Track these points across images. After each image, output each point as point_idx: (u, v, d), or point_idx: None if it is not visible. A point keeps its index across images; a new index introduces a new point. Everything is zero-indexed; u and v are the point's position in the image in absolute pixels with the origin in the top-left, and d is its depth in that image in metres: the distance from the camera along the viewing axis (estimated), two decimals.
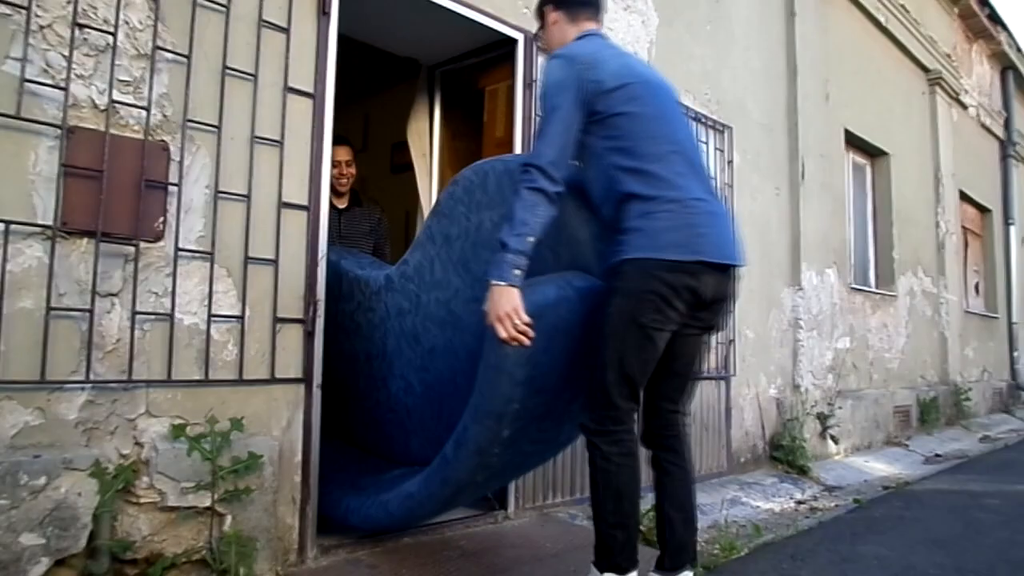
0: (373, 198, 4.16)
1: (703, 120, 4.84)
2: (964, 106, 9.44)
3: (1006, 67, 10.95)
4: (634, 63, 2.36)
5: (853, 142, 6.98)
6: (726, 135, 5.02)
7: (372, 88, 4.83)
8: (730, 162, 5.00)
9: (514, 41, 3.67)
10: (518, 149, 3.67)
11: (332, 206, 3.82)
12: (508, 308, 2.03)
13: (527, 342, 2.05)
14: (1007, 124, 10.94)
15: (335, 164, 3.78)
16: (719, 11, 5.19)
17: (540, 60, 3.74)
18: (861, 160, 7.39)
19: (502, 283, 2.05)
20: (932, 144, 8.48)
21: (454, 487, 2.41)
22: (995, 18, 9.93)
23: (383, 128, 4.82)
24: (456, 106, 4.37)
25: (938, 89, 8.57)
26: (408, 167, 4.37)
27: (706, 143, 4.83)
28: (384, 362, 2.95)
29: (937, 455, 6.36)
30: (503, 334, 2.04)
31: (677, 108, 2.35)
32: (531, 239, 2.07)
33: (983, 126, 10.19)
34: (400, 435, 2.96)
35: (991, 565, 3.04)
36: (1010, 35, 10.44)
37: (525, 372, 2.13)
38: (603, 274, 2.23)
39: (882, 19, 7.36)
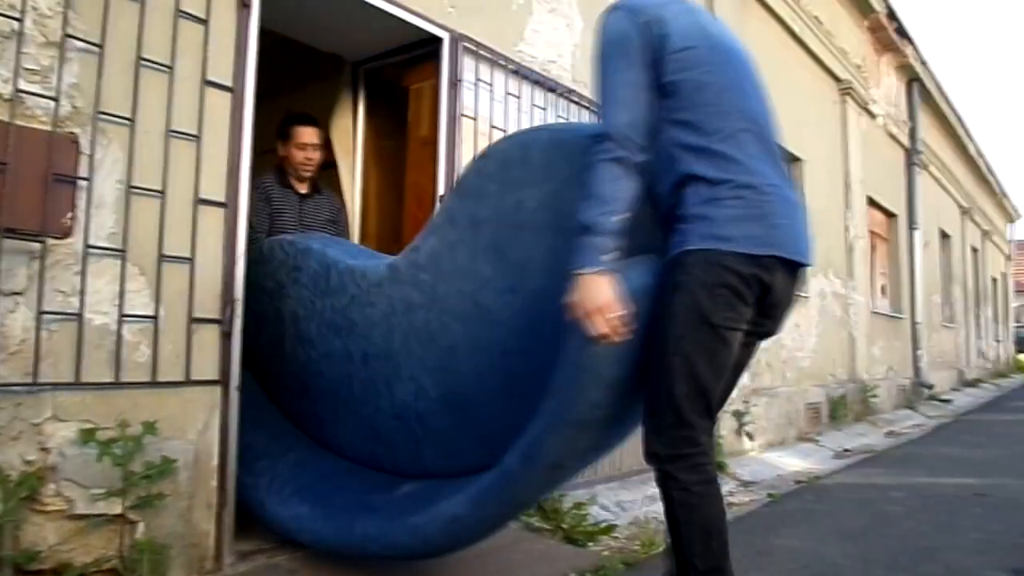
0: (330, 187, 3.98)
1: None
2: (873, 115, 9.85)
3: (912, 79, 11.47)
4: (706, 22, 2.01)
5: None
6: None
7: (294, 84, 4.74)
8: None
9: (439, 40, 3.66)
10: (442, 149, 3.66)
11: (294, 191, 3.60)
12: (601, 300, 1.75)
13: (620, 338, 1.78)
14: (912, 133, 11.47)
15: (302, 147, 3.56)
16: None
17: (465, 60, 3.74)
18: None
19: (591, 270, 1.76)
20: (843, 151, 8.81)
21: (514, 507, 2.21)
22: (902, 32, 10.38)
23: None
24: (380, 104, 4.34)
25: (849, 98, 8.91)
26: (331, 165, 4.31)
27: None
28: (387, 363, 2.62)
29: (846, 450, 6.61)
30: (597, 330, 1.76)
31: (755, 79, 2.03)
32: (618, 217, 1.79)
33: (890, 135, 10.64)
34: (408, 445, 2.63)
35: (896, 554, 3.17)
36: (916, 49, 10.94)
37: (616, 372, 1.89)
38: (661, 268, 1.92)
39: (797, 30, 7.61)
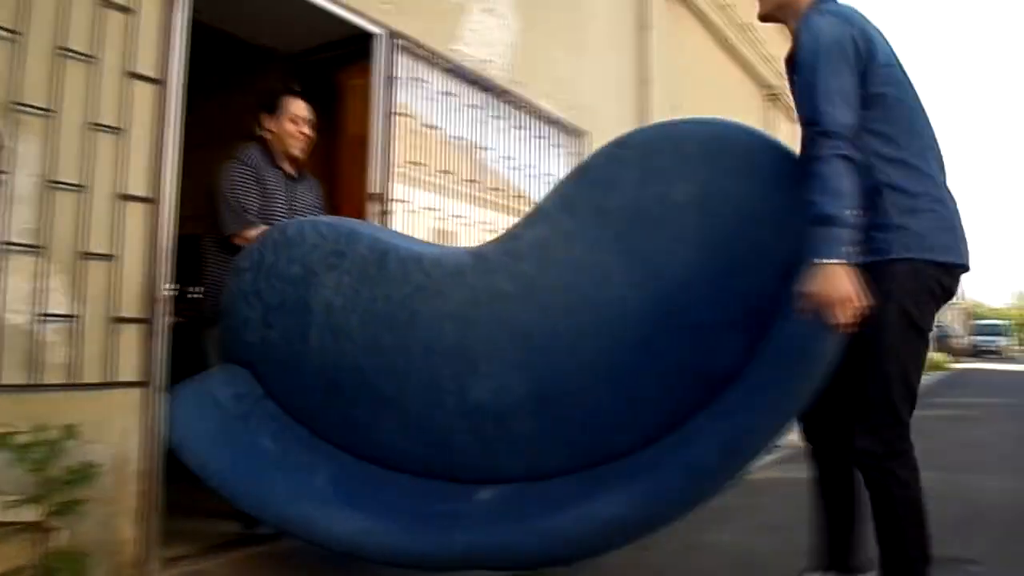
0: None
1: (561, 124, 4.95)
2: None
3: None
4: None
5: None
6: (583, 140, 5.15)
7: (227, 77, 4.62)
8: None
9: (374, 36, 3.62)
10: (376, 146, 3.63)
11: (283, 172, 3.26)
12: (845, 290, 1.82)
13: (852, 330, 1.86)
14: None
15: (295, 120, 3.24)
16: (577, 20, 5.32)
17: (400, 57, 3.71)
18: None
19: (835, 261, 1.83)
20: None
21: (692, 505, 2.12)
22: None
23: (237, 119, 4.62)
24: (313, 99, 4.26)
25: (776, 104, 9.15)
26: None
27: (563, 148, 4.95)
28: (458, 359, 2.44)
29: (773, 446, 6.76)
30: (839, 319, 1.83)
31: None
32: (855, 212, 1.88)
33: None
34: (476, 447, 2.43)
35: None
36: None
37: (836, 362, 1.94)
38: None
39: (726, 36, 7.77)
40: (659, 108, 6.12)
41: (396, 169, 3.73)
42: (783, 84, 9.22)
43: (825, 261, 1.84)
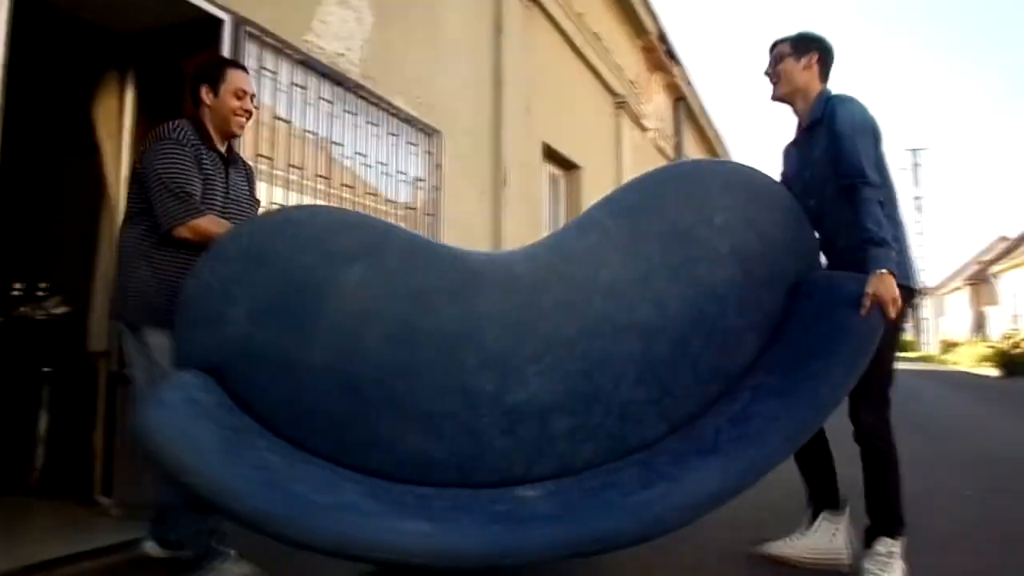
0: None
1: (414, 123, 4.94)
2: (644, 129, 10.56)
3: (679, 97, 12.43)
4: None
5: (550, 155, 7.50)
6: (436, 139, 5.15)
7: (55, 57, 4.29)
8: (439, 166, 5.15)
9: (219, 22, 3.46)
10: None
11: (219, 154, 2.74)
12: (895, 293, 2.47)
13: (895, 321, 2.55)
14: (678, 148, 12.44)
15: (240, 94, 2.74)
16: (432, 19, 5.31)
17: (248, 46, 3.58)
18: (556, 171, 7.96)
19: (888, 271, 2.48)
20: (616, 162, 9.37)
21: (777, 465, 2.36)
22: (672, 54, 11.22)
23: (65, 104, 4.30)
24: (154, 86, 4.04)
25: (623, 112, 9.49)
26: (93, 150, 3.95)
27: (417, 146, 4.94)
28: (500, 359, 2.44)
29: None
30: (893, 314, 2.48)
31: None
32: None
33: (658, 148, 11.47)
34: (509, 449, 2.45)
35: (663, 540, 3.43)
36: (683, 70, 11.87)
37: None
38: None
39: (578, 44, 7.99)
40: (512, 110, 6.22)
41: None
42: (628, 94, 9.59)
43: (884, 271, 2.49)
